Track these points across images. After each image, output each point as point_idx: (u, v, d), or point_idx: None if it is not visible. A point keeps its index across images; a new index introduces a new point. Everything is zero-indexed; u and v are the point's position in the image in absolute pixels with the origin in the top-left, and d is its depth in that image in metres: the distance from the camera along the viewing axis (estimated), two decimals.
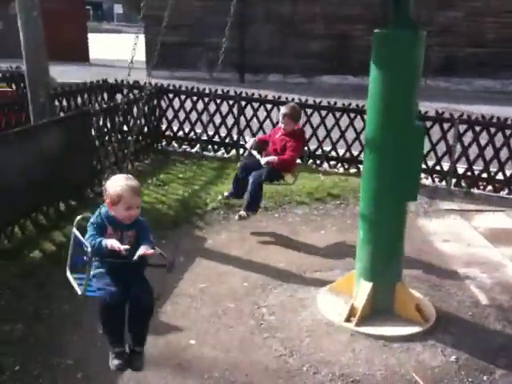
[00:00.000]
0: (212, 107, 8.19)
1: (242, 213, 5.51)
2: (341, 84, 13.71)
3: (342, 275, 4.64)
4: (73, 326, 3.90)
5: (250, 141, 5.84)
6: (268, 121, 8.04)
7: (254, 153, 5.64)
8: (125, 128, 7.42)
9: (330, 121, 7.82)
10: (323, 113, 7.85)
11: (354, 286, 4.25)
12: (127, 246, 2.83)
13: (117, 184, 2.93)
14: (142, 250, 2.84)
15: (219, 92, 8.24)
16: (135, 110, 7.63)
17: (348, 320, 4.05)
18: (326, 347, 3.83)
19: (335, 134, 7.82)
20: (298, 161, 5.84)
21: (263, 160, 5.44)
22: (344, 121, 7.74)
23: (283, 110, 5.60)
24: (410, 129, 3.90)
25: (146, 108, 7.94)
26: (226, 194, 5.94)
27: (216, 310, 4.26)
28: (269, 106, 8.05)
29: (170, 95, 8.39)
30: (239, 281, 4.73)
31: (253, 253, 5.28)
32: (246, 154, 6.03)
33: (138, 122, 7.68)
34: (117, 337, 2.94)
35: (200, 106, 8.26)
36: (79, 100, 7.91)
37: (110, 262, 2.90)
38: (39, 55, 5.96)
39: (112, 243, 2.81)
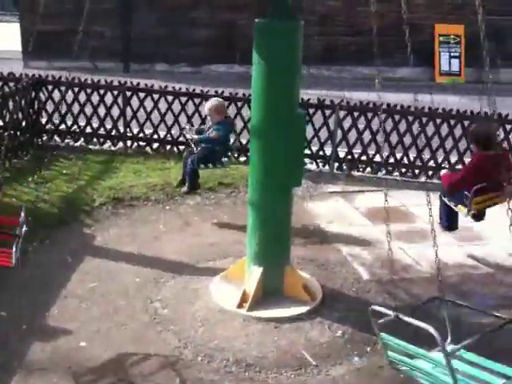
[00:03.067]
0: (95, 98, 7.89)
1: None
2: (228, 73, 13.75)
3: (235, 263, 4.73)
4: None
5: None
6: (156, 111, 7.90)
7: None
8: (0, 123, 6.94)
9: None
10: None
11: (246, 272, 4.34)
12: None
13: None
14: None
15: (102, 82, 7.95)
16: (11, 103, 7.16)
17: (240, 306, 4.15)
18: (220, 335, 3.90)
19: None
20: None
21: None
22: (231, 110, 7.81)
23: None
24: (291, 116, 4.03)
25: (22, 101, 7.47)
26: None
27: (107, 309, 4.16)
28: (156, 96, 7.91)
29: (49, 87, 7.95)
30: (131, 277, 4.65)
31: (144, 247, 5.21)
32: None
33: (15, 116, 7.22)
34: None
35: (82, 97, 7.91)
36: None
37: None
38: None
39: None
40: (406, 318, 2.60)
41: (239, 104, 7.76)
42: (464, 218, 4.97)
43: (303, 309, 4.18)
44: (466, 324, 3.59)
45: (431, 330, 2.43)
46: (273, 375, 3.54)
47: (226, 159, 5.93)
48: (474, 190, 4.49)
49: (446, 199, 4.84)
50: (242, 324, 4.01)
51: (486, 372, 2.75)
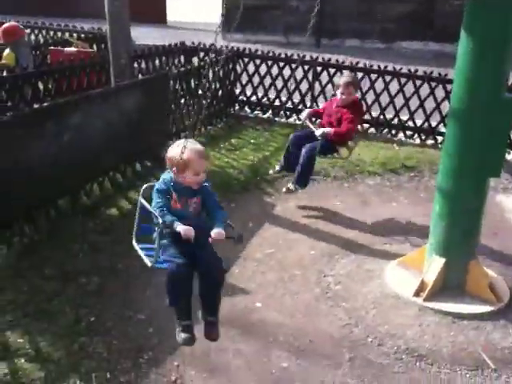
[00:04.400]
0: (286, 72, 8.09)
1: (291, 186, 5.36)
2: (421, 50, 13.14)
3: (412, 249, 4.55)
4: (145, 283, 4.07)
5: (304, 112, 5.57)
6: None
7: (309, 124, 5.45)
8: (199, 91, 7.49)
9: (408, 89, 7.53)
10: (402, 80, 7.56)
11: (425, 261, 4.15)
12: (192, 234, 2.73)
13: (183, 150, 2.81)
14: (214, 234, 2.79)
15: (295, 57, 8.12)
16: (211, 73, 7.68)
17: (417, 295, 3.98)
18: (392, 320, 3.79)
19: (414, 103, 7.54)
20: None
21: (318, 131, 5.18)
22: (424, 89, 7.43)
23: (345, 78, 5.39)
24: (498, 101, 3.69)
25: (221, 72, 7.97)
26: (276, 167, 5.76)
27: (282, 276, 4.30)
28: (346, 72, 7.84)
29: (245, 59, 8.36)
30: (306, 248, 4.74)
31: (320, 221, 5.26)
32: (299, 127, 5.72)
33: (213, 85, 7.73)
34: (184, 310, 2.87)
35: (274, 70, 8.18)
36: (157, 62, 8.05)
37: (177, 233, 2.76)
38: (122, 17, 6.05)
39: (186, 232, 2.71)
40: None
41: (433, 84, 7.34)
42: None
43: (486, 308, 3.87)
44: None
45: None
46: (446, 370, 3.36)
47: None
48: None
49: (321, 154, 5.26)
50: (417, 313, 3.85)
51: None
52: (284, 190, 5.45)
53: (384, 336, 3.63)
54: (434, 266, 4.00)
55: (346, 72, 5.80)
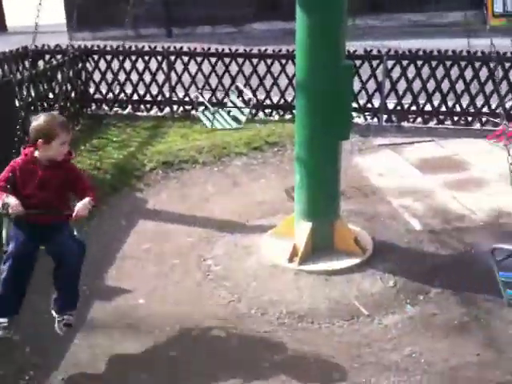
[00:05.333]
0: (140, 65, 7.97)
1: (67, 318, 3.23)
2: (271, 30, 13.58)
3: (284, 219, 4.75)
4: None
5: (10, 202, 2.96)
6: (200, 74, 7.91)
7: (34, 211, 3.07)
8: (51, 95, 7.14)
9: (262, 68, 7.77)
10: (254, 61, 7.78)
11: (295, 228, 4.36)
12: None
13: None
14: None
15: (146, 48, 8.01)
16: (60, 75, 7.33)
17: (291, 260, 4.18)
18: (272, 288, 3.95)
19: (268, 82, 7.80)
20: None
21: (81, 209, 3.06)
22: (276, 67, 7.72)
23: (59, 122, 3.07)
24: (338, 69, 3.93)
25: (70, 72, 7.64)
26: None
27: (162, 268, 4.29)
28: (199, 59, 7.91)
29: (95, 56, 8.08)
30: (183, 237, 4.76)
31: (195, 208, 5.30)
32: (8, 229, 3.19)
33: (64, 87, 7.39)
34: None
35: (128, 65, 8.01)
36: None
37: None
38: None
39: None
40: None
41: (283, 61, 7.64)
42: None
43: (354, 261, 4.17)
44: None
45: None
46: (326, 325, 3.58)
47: None
48: None
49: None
50: (294, 278, 4.05)
51: None
52: (63, 331, 3.26)
53: (266, 305, 3.77)
54: (302, 230, 4.23)
55: (42, 116, 3.10)
